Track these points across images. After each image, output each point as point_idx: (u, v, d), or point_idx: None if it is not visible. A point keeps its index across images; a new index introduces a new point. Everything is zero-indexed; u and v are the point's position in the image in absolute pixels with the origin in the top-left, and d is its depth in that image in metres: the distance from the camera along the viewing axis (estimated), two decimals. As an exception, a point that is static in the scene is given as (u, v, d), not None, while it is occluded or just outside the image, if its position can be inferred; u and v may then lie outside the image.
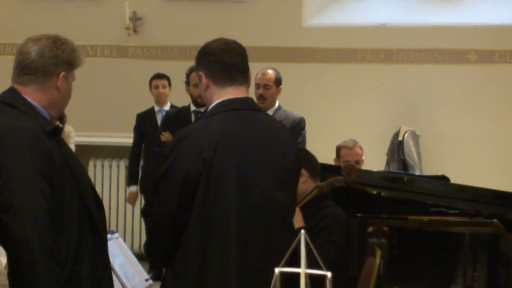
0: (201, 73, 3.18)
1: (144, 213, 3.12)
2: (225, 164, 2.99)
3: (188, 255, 2.99)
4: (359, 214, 5.17)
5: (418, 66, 9.04)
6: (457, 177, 8.75)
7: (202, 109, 6.37)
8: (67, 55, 3.11)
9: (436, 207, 5.31)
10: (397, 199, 5.09)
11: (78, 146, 8.34)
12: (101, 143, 9.18)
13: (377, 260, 4.42)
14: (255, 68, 7.87)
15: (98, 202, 3.14)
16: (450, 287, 4.49)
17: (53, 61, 3.06)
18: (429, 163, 8.88)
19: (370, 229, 4.96)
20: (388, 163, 8.81)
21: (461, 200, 5.17)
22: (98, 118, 9.26)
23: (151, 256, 3.21)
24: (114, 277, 3.53)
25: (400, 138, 8.74)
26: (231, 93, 3.14)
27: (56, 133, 3.00)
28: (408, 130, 8.76)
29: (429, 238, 4.72)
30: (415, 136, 8.77)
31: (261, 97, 6.46)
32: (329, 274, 1.56)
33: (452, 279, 4.48)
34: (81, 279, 2.98)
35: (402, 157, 8.73)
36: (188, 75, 6.63)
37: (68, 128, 7.90)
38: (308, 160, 4.54)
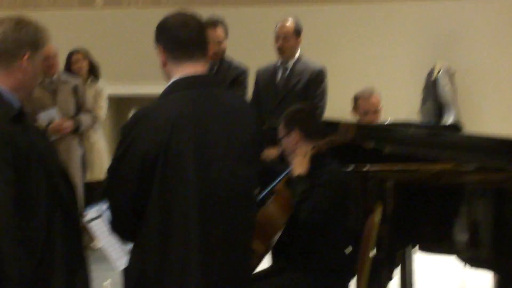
0: (159, 48, 3.18)
1: (105, 193, 3.16)
2: (182, 144, 2.98)
3: (149, 237, 3.02)
4: (362, 169, 5.13)
5: (454, 1, 8.84)
6: (495, 112, 8.67)
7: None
8: (30, 37, 3.14)
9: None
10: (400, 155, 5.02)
11: (114, 99, 8.46)
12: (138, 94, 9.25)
13: (377, 217, 4.42)
14: (276, 12, 7.93)
15: (69, 184, 3.19)
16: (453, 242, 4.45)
17: (16, 44, 3.09)
18: (466, 99, 8.74)
19: (373, 183, 4.92)
20: (423, 101, 8.72)
21: (471, 151, 5.07)
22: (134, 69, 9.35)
23: (118, 235, 3.26)
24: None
25: (434, 76, 8.62)
26: (188, 69, 3.12)
27: (20, 119, 3.04)
28: (443, 67, 8.62)
29: (432, 192, 4.66)
30: (449, 74, 8.63)
31: (280, 49, 6.41)
32: None
33: (454, 234, 4.44)
34: (54, 263, 3.05)
35: (436, 96, 8.62)
36: None
37: (100, 85, 7.98)
38: (304, 120, 4.53)
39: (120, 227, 3.17)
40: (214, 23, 6.35)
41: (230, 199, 3.09)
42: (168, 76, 3.19)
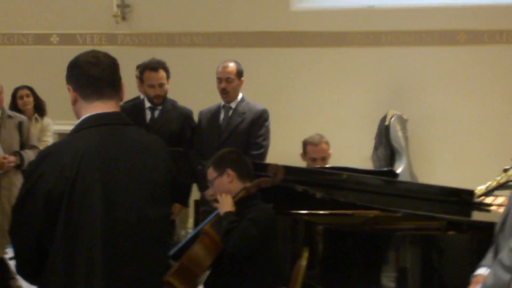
0: (69, 86, 3.10)
1: (10, 232, 3.05)
2: (89, 182, 2.89)
3: (53, 276, 2.90)
4: (293, 211, 5.06)
5: (407, 49, 8.88)
6: (446, 160, 8.67)
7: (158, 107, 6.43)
8: None
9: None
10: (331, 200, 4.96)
11: (63, 135, 8.37)
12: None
13: (303, 262, 4.35)
14: (245, 54, 7.93)
15: None
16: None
17: None
18: (418, 147, 8.75)
19: (303, 227, 4.86)
20: (375, 148, 8.70)
21: (406, 198, 5.04)
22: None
23: (23, 276, 3.14)
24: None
25: (386, 123, 8.61)
26: (98, 108, 3.05)
27: None
28: (395, 114, 8.63)
29: (362, 238, 4.61)
30: (402, 120, 8.64)
31: (223, 91, 6.41)
32: None
33: (382, 280, 4.39)
34: None
35: (389, 142, 8.61)
36: (141, 72, 6.54)
37: (46, 121, 7.91)
38: (235, 161, 4.49)
39: (24, 269, 3.05)
40: (156, 66, 6.37)
41: (138, 239, 2.99)
42: (78, 114, 3.10)
